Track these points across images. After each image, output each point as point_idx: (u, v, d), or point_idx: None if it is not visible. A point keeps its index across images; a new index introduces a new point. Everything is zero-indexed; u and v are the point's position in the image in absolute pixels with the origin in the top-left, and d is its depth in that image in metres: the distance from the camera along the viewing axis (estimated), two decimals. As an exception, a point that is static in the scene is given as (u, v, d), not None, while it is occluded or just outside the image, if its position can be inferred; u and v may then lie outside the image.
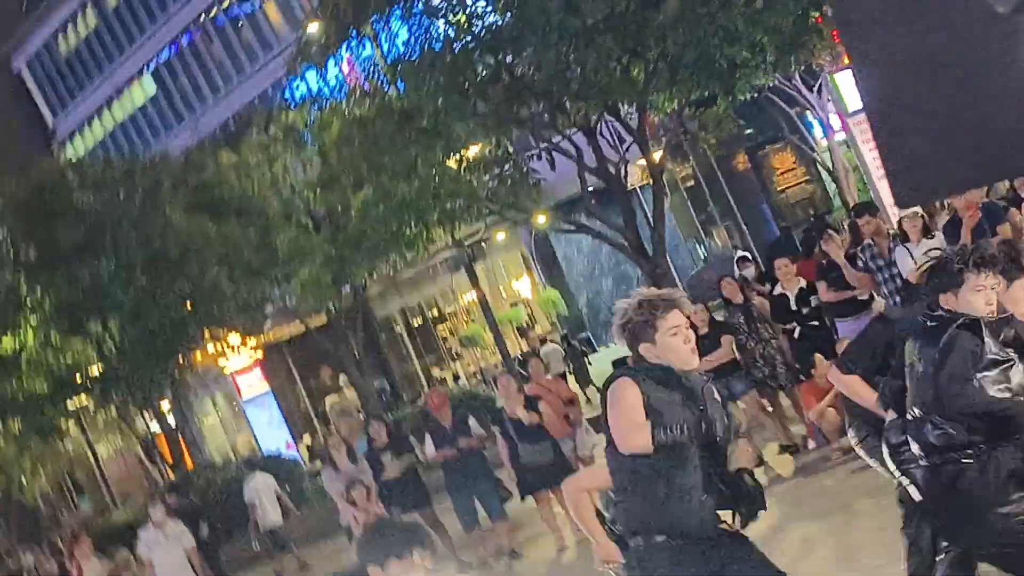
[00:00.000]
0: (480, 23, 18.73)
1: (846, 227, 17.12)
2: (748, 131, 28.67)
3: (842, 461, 12.49)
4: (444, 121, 18.78)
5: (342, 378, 38.03)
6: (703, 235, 40.60)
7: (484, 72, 18.92)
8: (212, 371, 36.07)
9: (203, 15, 55.83)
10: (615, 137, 21.55)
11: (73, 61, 62.22)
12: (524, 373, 17.20)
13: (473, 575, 14.28)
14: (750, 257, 19.48)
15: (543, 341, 32.12)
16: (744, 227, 38.27)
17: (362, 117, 20.35)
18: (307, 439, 40.28)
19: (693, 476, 5.87)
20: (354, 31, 19.30)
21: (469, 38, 18.75)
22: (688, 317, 6.10)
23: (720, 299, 15.99)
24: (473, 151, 20.71)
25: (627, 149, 21.38)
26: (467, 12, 18.91)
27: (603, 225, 21.89)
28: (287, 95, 31.18)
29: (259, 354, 36.14)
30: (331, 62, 22.05)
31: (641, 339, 6.01)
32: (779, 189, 38.35)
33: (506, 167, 20.46)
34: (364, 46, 19.97)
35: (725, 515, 5.97)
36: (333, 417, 26.64)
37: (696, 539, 5.91)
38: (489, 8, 18.80)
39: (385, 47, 19.82)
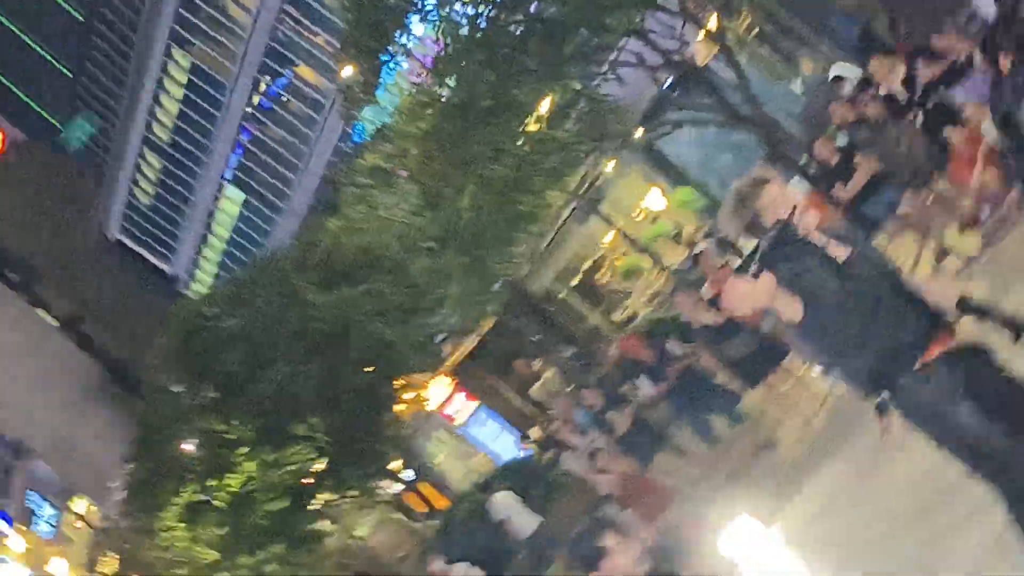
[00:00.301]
0: None
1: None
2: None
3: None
4: (502, 93, 18.77)
5: (535, 363, 38.23)
6: (789, 71, 39.86)
7: (517, 31, 18.89)
8: (420, 416, 36.64)
9: (248, 108, 56.76)
10: (665, 27, 21.37)
11: (158, 206, 63.60)
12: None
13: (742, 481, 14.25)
14: (842, 75, 19.12)
15: (697, 242, 31.94)
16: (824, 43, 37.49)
17: (432, 128, 20.40)
18: (534, 432, 40.51)
19: None
20: (385, 55, 19.38)
21: (489, 7, 18.73)
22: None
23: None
24: (544, 107, 20.66)
25: (683, 30, 21.21)
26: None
27: (694, 112, 21.78)
28: (357, 139, 31.42)
29: (453, 380, 36.69)
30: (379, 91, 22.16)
31: None
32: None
33: (579, 105, 20.40)
34: (399, 64, 20.07)
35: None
36: (546, 402, 26.87)
37: None
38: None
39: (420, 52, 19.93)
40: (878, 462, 10.14)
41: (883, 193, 14.34)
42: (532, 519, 20.60)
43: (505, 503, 20.82)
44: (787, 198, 6.54)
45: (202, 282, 62.86)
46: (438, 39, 19.43)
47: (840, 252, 6.45)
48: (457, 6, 18.98)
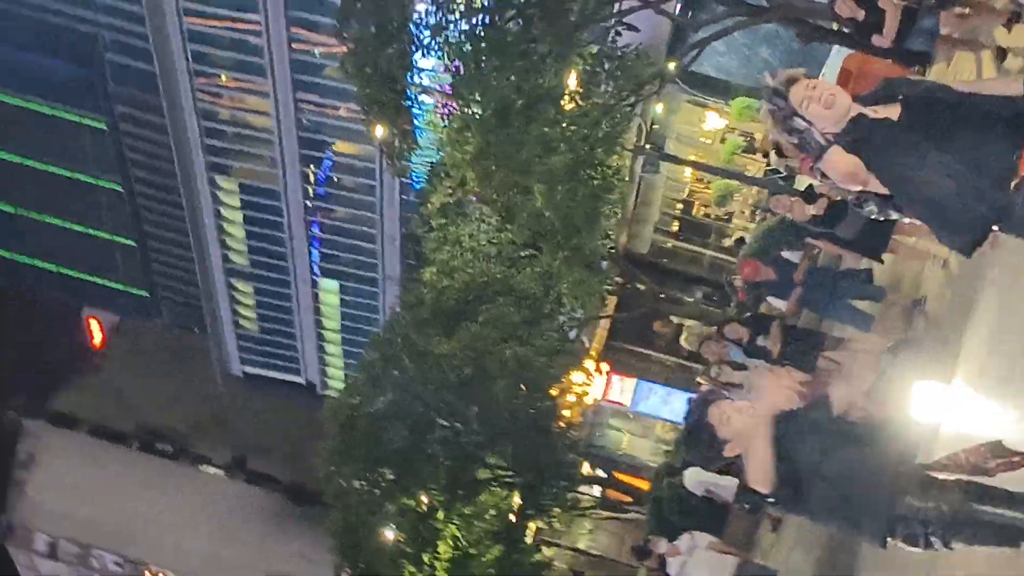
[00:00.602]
0: None
1: None
2: None
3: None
4: (529, 87, 18.79)
5: (672, 318, 38.20)
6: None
7: (512, 22, 18.96)
8: (587, 412, 36.80)
9: (306, 202, 57.59)
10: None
11: (266, 326, 64.62)
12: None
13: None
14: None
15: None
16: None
17: (478, 147, 20.46)
18: (703, 380, 40.36)
19: None
20: (409, 100, 19.52)
21: (482, 15, 18.83)
22: None
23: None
24: (572, 82, 20.67)
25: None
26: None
27: (713, 25, 21.68)
28: (416, 186, 31.63)
29: (603, 366, 36.81)
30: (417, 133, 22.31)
31: None
32: None
33: (605, 66, 20.38)
34: (422, 103, 20.21)
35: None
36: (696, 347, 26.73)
37: None
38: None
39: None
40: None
41: (920, 24, 14.17)
42: (730, 480, 20.45)
43: (697, 479, 20.74)
44: (821, 86, 6.56)
45: (335, 377, 63.61)
46: (447, 65, 19.55)
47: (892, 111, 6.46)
48: (451, 27, 19.06)
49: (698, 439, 7.47)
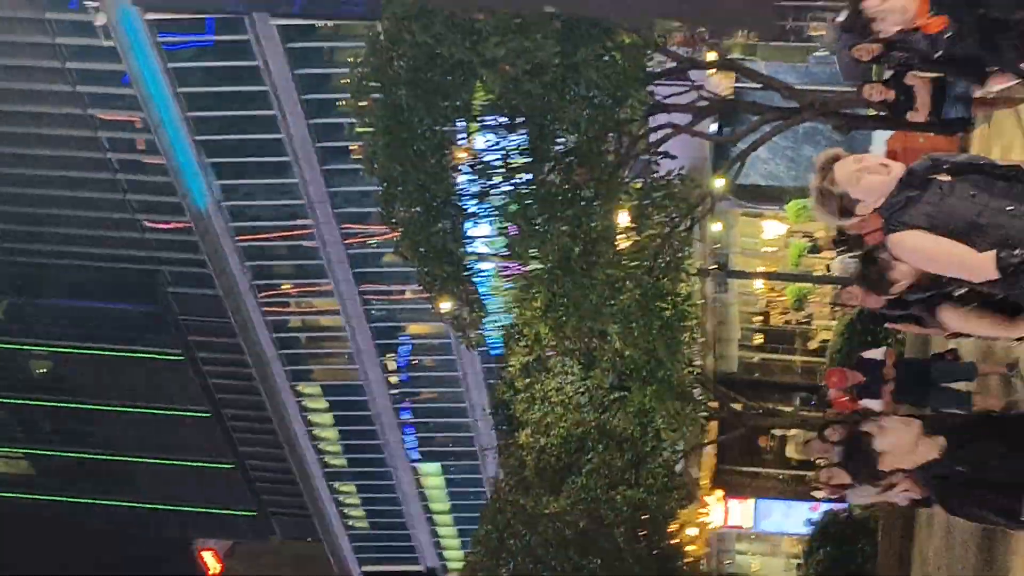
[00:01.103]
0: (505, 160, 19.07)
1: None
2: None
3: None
4: (584, 234, 18.86)
5: (776, 433, 37.80)
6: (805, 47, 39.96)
7: (552, 173, 19.14)
8: (713, 541, 36.33)
9: (392, 391, 58.07)
10: (672, 86, 21.50)
11: (377, 521, 64.66)
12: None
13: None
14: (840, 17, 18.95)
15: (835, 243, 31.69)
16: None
17: (545, 302, 20.46)
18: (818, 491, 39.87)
19: None
20: (467, 270, 19.64)
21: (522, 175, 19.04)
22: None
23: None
24: (624, 220, 20.76)
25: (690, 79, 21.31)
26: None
27: (751, 134, 21.78)
28: (495, 351, 31.67)
29: (718, 492, 36.47)
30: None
31: None
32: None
33: (651, 196, 20.42)
34: (478, 271, 20.33)
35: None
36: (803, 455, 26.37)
37: None
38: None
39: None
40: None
41: (952, 91, 14.17)
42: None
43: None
44: (862, 162, 6.54)
45: (454, 559, 63.22)
46: (498, 229, 19.69)
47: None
48: (494, 192, 19.23)
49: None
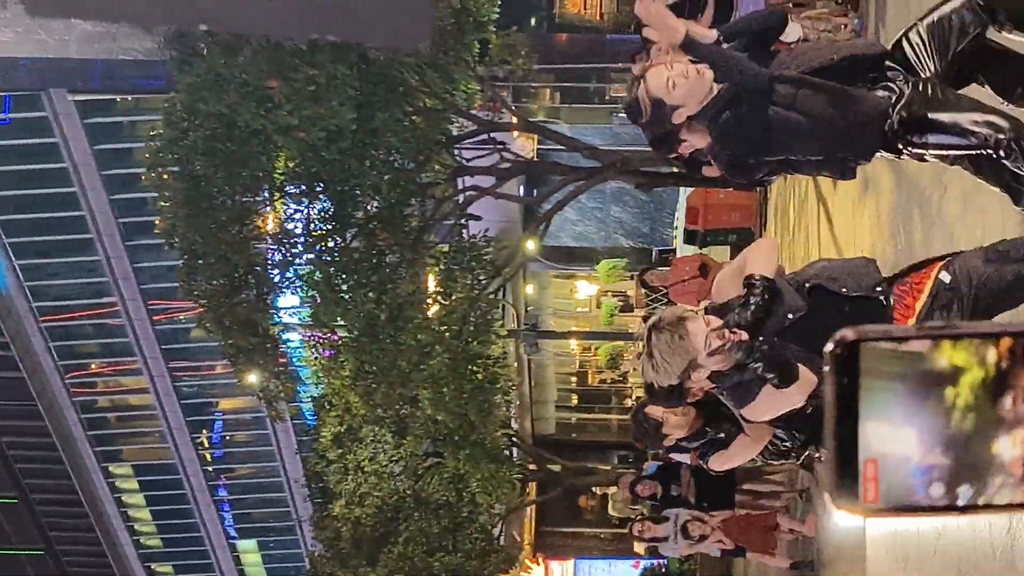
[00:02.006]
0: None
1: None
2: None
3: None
4: (387, 299, 18.74)
5: (595, 491, 37.88)
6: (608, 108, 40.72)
7: (356, 239, 19.07)
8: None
9: (206, 468, 57.02)
10: (476, 148, 21.60)
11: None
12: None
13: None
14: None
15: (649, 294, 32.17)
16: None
17: (354, 369, 20.25)
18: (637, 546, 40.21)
19: None
20: (271, 341, 19.34)
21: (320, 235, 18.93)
22: None
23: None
24: (431, 284, 20.76)
25: (494, 141, 21.40)
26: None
27: (557, 195, 21.97)
28: (311, 422, 31.30)
29: (538, 557, 36.37)
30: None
31: None
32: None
33: (457, 260, 20.40)
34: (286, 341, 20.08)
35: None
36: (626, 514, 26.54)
37: None
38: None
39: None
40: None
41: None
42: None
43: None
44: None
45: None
46: (303, 298, 19.50)
47: None
48: (297, 260, 19.03)
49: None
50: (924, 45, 6.27)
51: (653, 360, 5.55)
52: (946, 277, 5.67)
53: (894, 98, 6.15)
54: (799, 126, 6.22)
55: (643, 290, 34.32)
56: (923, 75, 6.26)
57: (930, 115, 6.07)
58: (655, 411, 7.04)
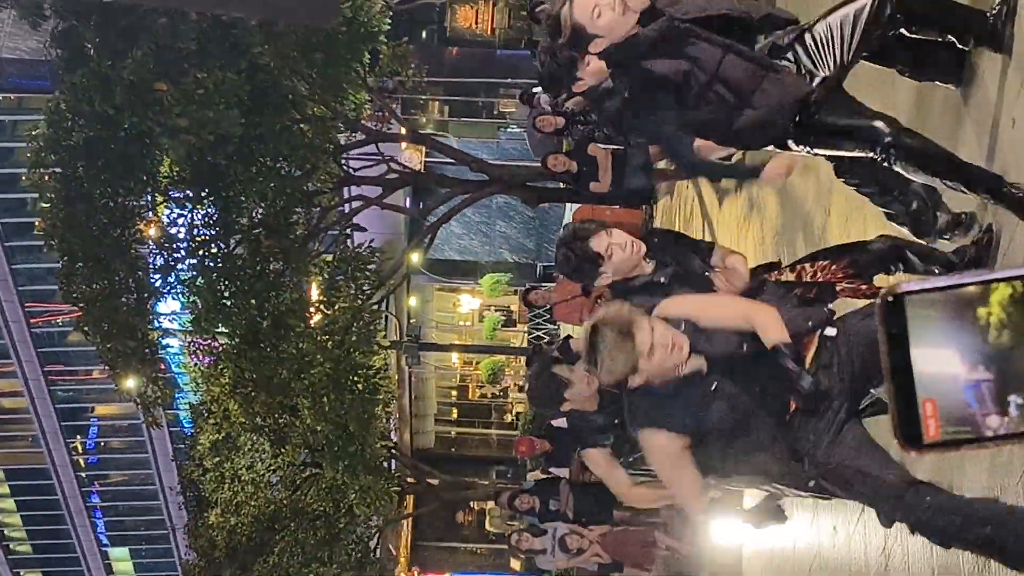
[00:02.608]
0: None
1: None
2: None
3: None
4: (269, 307, 18.64)
5: (473, 506, 37.84)
6: (497, 120, 40.82)
7: (239, 246, 18.94)
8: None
9: (79, 473, 56.27)
10: (365, 157, 21.58)
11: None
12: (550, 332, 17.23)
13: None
14: (534, 91, 19.32)
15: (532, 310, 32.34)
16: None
17: (233, 377, 20.08)
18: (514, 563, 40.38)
19: None
20: (149, 346, 19.10)
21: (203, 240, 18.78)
22: None
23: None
24: (315, 294, 20.68)
25: (381, 151, 21.38)
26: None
27: (443, 206, 22.03)
28: (189, 431, 30.95)
29: (414, 571, 36.32)
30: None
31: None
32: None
33: (345, 272, 20.35)
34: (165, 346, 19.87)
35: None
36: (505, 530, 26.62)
37: None
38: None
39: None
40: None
41: (633, 163, 14.52)
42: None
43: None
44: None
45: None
46: (184, 304, 19.32)
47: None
48: (178, 265, 18.85)
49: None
50: (825, 41, 6.35)
51: (598, 355, 5.54)
52: (831, 332, 5.76)
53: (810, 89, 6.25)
54: (716, 96, 6.25)
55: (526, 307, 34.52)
56: (820, 71, 6.36)
57: (829, 119, 6.18)
58: (563, 371, 6.87)
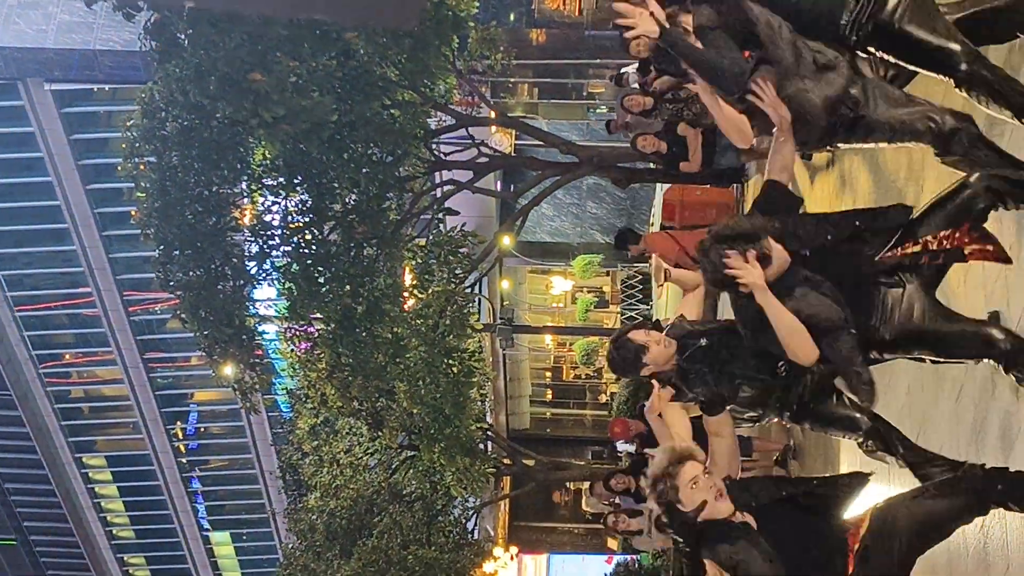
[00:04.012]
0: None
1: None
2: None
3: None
4: (364, 292, 18.77)
5: (569, 487, 37.89)
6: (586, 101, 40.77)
7: (333, 232, 19.08)
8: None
9: (181, 459, 56.85)
10: (456, 142, 21.68)
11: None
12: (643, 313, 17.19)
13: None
14: (624, 71, 19.32)
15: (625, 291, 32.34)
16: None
17: (330, 362, 20.23)
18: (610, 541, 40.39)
19: None
20: (247, 333, 19.30)
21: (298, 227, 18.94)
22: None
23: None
24: (408, 278, 20.79)
25: (472, 137, 21.46)
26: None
27: (534, 189, 22.06)
28: (286, 415, 31.32)
29: (512, 548, 36.50)
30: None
31: None
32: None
33: (435, 254, 20.45)
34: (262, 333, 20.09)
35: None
36: (600, 510, 26.59)
37: None
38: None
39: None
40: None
41: (724, 141, 14.44)
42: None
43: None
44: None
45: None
46: (280, 290, 19.50)
47: None
48: (274, 252, 19.02)
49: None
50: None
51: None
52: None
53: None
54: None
55: (618, 285, 34.41)
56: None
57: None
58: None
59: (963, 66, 6.28)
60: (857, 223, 6.73)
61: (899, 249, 6.58)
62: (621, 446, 18.45)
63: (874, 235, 6.66)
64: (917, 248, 6.52)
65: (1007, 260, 6.57)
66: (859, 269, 6.57)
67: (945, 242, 6.44)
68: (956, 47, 6.31)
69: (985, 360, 6.55)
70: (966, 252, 6.46)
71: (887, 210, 6.82)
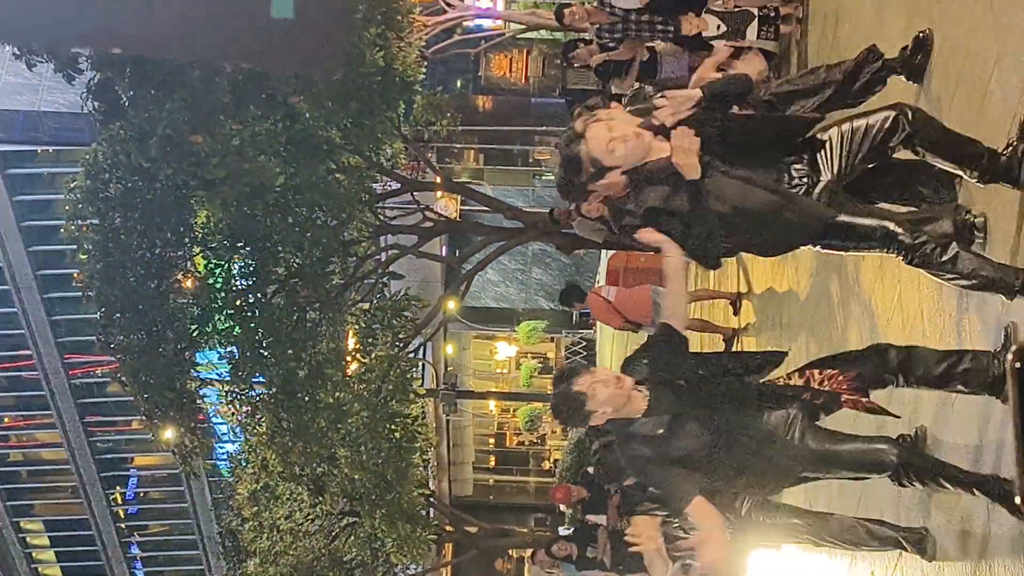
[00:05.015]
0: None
1: None
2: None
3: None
4: (307, 356, 18.67)
5: (511, 552, 37.69)
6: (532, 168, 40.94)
7: (276, 296, 18.97)
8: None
9: (119, 524, 56.14)
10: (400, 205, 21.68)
11: None
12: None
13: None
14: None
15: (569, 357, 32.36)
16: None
17: (270, 427, 20.07)
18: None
19: None
20: (186, 396, 19.14)
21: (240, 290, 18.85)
22: None
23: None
24: (351, 343, 20.71)
25: (416, 201, 21.48)
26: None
27: (480, 254, 22.10)
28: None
29: None
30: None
31: None
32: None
33: (379, 318, 20.39)
34: (202, 396, 19.92)
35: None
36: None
37: None
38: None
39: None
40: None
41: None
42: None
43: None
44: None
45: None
46: (221, 354, 19.38)
47: None
48: (216, 316, 18.89)
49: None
50: (836, 146, 6.56)
51: None
52: None
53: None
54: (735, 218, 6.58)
55: (563, 351, 34.43)
56: (824, 176, 6.62)
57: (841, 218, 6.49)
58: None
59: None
60: (728, 365, 6.89)
61: (786, 378, 6.69)
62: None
63: (747, 372, 6.84)
64: (800, 382, 6.59)
65: (884, 412, 6.74)
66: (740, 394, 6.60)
67: (827, 383, 6.49)
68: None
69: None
70: (842, 399, 6.53)
71: (759, 355, 7.03)
